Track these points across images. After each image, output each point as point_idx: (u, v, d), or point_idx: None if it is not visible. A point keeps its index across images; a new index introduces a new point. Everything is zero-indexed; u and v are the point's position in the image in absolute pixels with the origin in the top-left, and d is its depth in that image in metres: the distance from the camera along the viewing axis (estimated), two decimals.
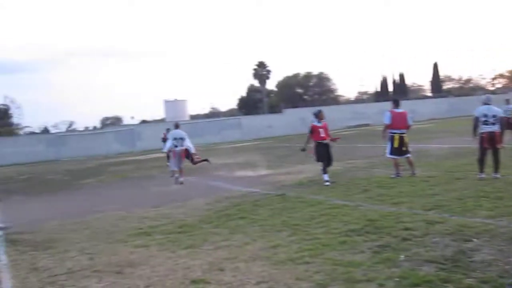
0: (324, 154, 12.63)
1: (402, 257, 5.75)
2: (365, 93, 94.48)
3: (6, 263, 7.29)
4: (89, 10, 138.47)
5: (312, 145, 12.92)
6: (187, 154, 15.97)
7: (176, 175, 16.04)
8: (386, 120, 12.57)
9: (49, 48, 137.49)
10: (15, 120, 76.46)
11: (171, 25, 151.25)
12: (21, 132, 64.91)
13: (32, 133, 58.03)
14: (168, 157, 22.49)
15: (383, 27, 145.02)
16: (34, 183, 21.16)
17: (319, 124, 12.74)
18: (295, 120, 52.80)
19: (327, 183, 12.12)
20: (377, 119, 32.52)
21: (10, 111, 78.31)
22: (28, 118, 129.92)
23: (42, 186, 19.19)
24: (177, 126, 16.67)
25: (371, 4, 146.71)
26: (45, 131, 59.18)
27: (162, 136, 23.42)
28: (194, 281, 5.57)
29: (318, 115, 12.84)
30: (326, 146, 12.71)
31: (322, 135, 12.65)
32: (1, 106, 77.47)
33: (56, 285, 5.95)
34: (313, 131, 12.73)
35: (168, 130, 23.15)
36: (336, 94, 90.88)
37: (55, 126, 71.28)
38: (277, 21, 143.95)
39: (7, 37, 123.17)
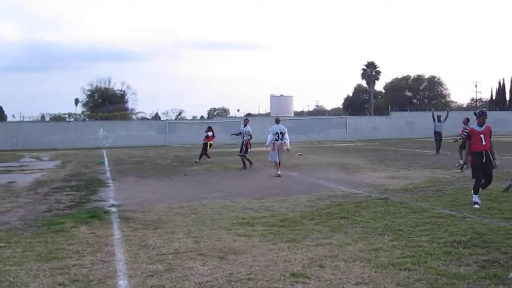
0: (482, 168, 9.97)
1: (511, 275, 5.50)
2: (480, 100, 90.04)
3: (120, 237, 7.83)
4: (201, 3, 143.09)
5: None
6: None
7: (278, 172, 16.41)
8: None
9: (163, 39, 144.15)
10: (130, 105, 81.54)
11: (282, 21, 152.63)
12: (134, 117, 68.60)
13: (144, 118, 60.95)
14: (201, 155, 22.97)
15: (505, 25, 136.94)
16: (144, 166, 22.25)
17: (479, 129, 10.06)
18: (402, 124, 51.60)
19: (476, 206, 9.71)
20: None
21: (126, 97, 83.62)
22: (142, 104, 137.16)
23: (152, 170, 20.15)
24: (277, 121, 17.50)
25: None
26: (156, 117, 61.97)
27: (205, 134, 23.29)
28: (294, 275, 5.67)
29: (480, 117, 10.07)
30: (487, 157, 9.98)
31: (484, 143, 9.94)
32: (118, 92, 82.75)
33: (164, 263, 6.29)
34: (472, 137, 10.10)
35: (210, 127, 23.35)
36: (447, 99, 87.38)
37: (165, 113, 74.79)
38: (390, 21, 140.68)
39: (125, 28, 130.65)
